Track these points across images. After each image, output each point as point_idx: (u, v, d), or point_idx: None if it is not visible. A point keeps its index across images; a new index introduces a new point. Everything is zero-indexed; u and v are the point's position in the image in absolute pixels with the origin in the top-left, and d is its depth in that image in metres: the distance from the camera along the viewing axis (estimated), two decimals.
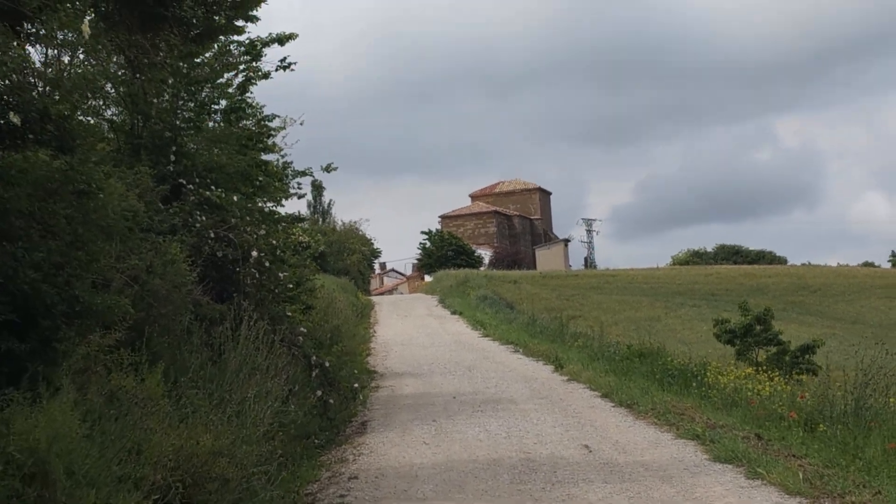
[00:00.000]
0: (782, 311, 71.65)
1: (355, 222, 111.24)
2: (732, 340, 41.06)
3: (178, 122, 20.38)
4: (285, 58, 22.26)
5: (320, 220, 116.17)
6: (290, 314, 19.76)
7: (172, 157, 19.62)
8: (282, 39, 22.04)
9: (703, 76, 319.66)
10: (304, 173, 27.62)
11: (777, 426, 17.60)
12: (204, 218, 18.60)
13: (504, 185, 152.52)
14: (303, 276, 24.33)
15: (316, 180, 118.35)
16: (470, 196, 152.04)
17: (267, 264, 18.87)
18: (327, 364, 19.67)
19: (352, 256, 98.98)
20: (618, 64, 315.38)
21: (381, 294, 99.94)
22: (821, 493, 12.64)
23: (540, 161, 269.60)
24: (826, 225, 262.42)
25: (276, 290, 19.59)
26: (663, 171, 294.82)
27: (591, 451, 16.60)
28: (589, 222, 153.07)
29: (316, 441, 18.62)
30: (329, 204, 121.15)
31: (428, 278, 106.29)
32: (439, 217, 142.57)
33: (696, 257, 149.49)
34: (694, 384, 22.65)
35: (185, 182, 19.33)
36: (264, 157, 24.15)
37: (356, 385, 21.38)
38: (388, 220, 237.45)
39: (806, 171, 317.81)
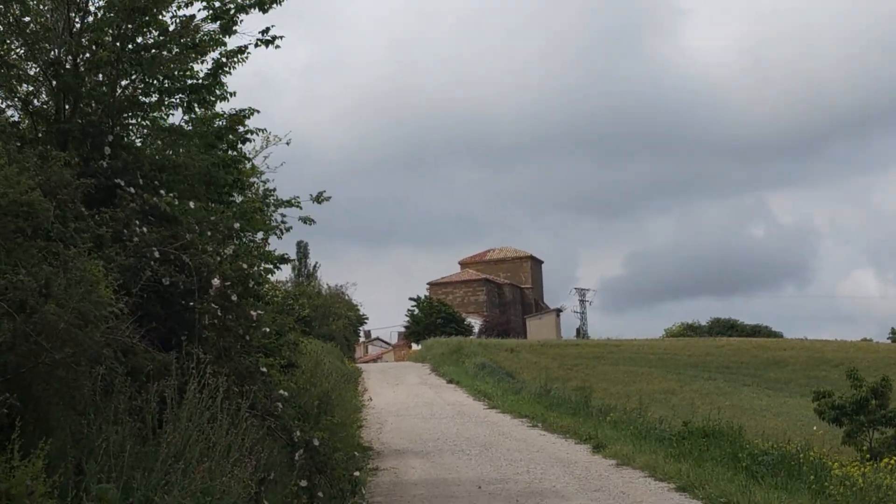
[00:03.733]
0: (806, 387, 66.26)
1: (341, 286, 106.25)
2: (839, 418, 34.52)
3: (118, 105, 14.85)
4: (267, 29, 16.43)
5: (305, 282, 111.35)
6: (265, 370, 13.98)
7: (108, 150, 14.10)
8: (263, 3, 16.27)
9: (700, 151, 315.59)
10: (289, 203, 22.25)
11: None
12: (146, 230, 12.96)
13: (494, 253, 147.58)
14: (285, 324, 18.54)
15: (302, 242, 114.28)
16: (459, 263, 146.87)
17: (234, 298, 13.15)
18: (316, 442, 13.88)
19: (337, 321, 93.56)
20: (613, 136, 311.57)
21: (366, 362, 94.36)
22: None
23: (532, 231, 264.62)
24: (817, 301, 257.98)
25: (247, 336, 13.86)
26: (655, 243, 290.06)
27: None
28: (582, 292, 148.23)
29: None
30: (315, 266, 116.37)
31: (415, 346, 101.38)
32: (428, 284, 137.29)
33: (689, 330, 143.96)
34: (812, 477, 16.86)
35: (123, 182, 13.72)
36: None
37: (356, 473, 15.54)
38: (375, 289, 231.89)
39: (799, 247, 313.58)
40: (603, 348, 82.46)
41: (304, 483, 13.75)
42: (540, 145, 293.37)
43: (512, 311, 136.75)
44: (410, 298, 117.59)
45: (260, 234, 20.31)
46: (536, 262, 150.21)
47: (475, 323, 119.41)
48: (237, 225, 15.18)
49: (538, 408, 35.90)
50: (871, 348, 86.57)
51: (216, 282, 12.84)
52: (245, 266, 13.62)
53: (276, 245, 21.67)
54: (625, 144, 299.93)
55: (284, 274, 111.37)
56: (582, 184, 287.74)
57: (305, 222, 22.33)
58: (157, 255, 12.80)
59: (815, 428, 31.64)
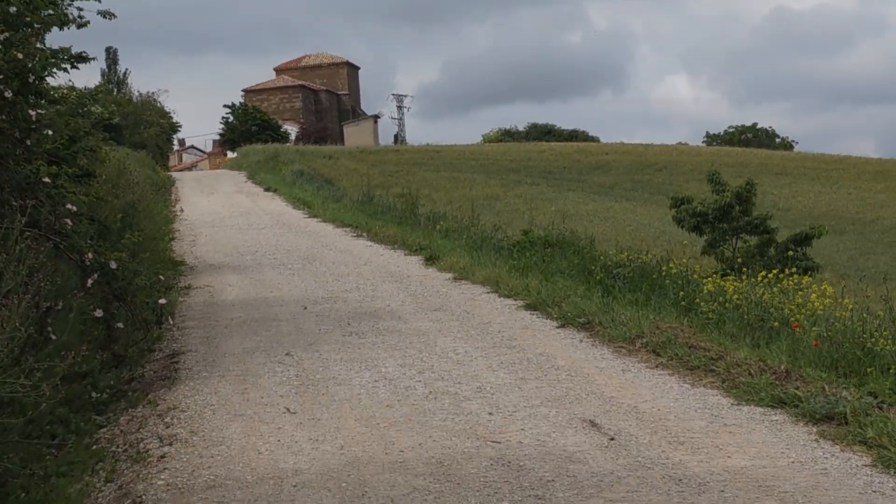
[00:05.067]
0: (631, 192, 65.57)
1: (153, 93, 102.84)
2: (700, 227, 32.23)
3: None
4: None
5: (115, 90, 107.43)
6: (47, 180, 11.57)
7: None
8: None
9: None
10: None
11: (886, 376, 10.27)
12: None
13: (310, 59, 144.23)
14: (80, 128, 16.03)
15: (111, 48, 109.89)
16: (275, 70, 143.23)
17: (9, 95, 10.72)
18: (113, 265, 11.62)
19: (149, 129, 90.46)
20: None
21: (181, 171, 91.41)
22: None
23: (349, 39, 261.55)
24: (632, 106, 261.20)
25: (27, 142, 11.46)
26: (472, 51, 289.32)
27: (614, 440, 8.98)
28: (400, 98, 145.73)
29: (94, 395, 10.85)
30: (125, 74, 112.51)
31: (231, 154, 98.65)
32: (242, 91, 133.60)
33: (507, 136, 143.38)
34: (681, 293, 15.07)
35: None
36: None
37: (162, 301, 13.26)
38: (190, 97, 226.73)
39: (615, 53, 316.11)
40: (423, 154, 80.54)
41: (99, 313, 11.58)
42: None
43: (328, 117, 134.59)
44: (225, 105, 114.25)
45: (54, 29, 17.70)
46: (353, 69, 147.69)
47: (292, 130, 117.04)
48: (13, 8, 12.58)
49: (361, 216, 33.77)
50: (692, 151, 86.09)
51: None
52: (21, 56, 11.11)
53: (79, 45, 19.01)
54: None
55: (93, 80, 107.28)
56: None
57: (105, 16, 19.67)
58: None
59: (683, 242, 29.75)
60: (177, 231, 31.52)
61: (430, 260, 22.64)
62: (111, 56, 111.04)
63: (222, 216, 36.78)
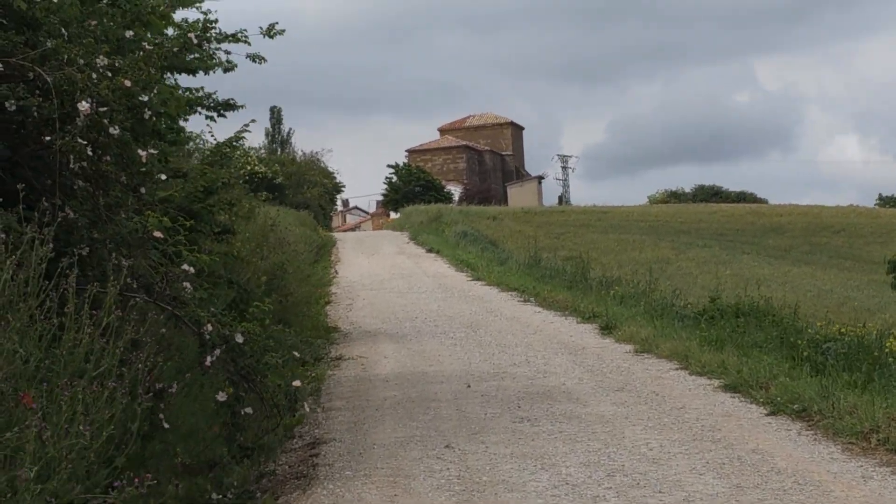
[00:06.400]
0: (809, 255, 62.76)
1: (317, 153, 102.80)
2: None
3: None
4: None
5: (279, 149, 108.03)
6: (159, 235, 9.64)
7: None
8: None
9: (687, 15, 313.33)
10: (235, 38, 17.82)
11: None
12: None
13: (475, 119, 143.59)
14: (217, 178, 14.18)
15: (275, 108, 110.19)
16: (439, 130, 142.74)
17: (114, 131, 8.82)
18: (240, 339, 9.56)
19: (312, 189, 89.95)
20: (599, 1, 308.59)
21: (345, 231, 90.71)
22: None
23: (514, 99, 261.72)
24: (800, 167, 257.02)
25: (142, 189, 9.58)
26: (638, 111, 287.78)
27: None
28: (564, 159, 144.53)
29: (215, 497, 8.94)
30: (288, 133, 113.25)
31: (394, 215, 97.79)
32: (406, 151, 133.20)
33: (673, 198, 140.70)
34: None
35: None
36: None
37: (297, 383, 11.10)
38: (354, 157, 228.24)
39: (784, 113, 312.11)
40: (589, 216, 78.47)
41: (222, 396, 9.59)
42: (525, 11, 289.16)
43: (492, 178, 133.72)
44: (388, 165, 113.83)
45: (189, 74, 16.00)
46: (517, 129, 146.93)
47: (455, 190, 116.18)
48: (129, 32, 10.71)
49: (528, 280, 31.85)
50: (870, 213, 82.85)
51: (84, 106, 8.53)
52: (128, 84, 9.14)
53: (244, 104, 17.35)
54: (611, 10, 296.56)
55: (257, 140, 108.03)
56: (566, 51, 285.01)
57: (254, 60, 18.04)
58: None
59: None
60: (333, 294, 30.08)
61: (606, 329, 20.49)
62: (275, 115, 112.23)
63: (382, 278, 35.23)
